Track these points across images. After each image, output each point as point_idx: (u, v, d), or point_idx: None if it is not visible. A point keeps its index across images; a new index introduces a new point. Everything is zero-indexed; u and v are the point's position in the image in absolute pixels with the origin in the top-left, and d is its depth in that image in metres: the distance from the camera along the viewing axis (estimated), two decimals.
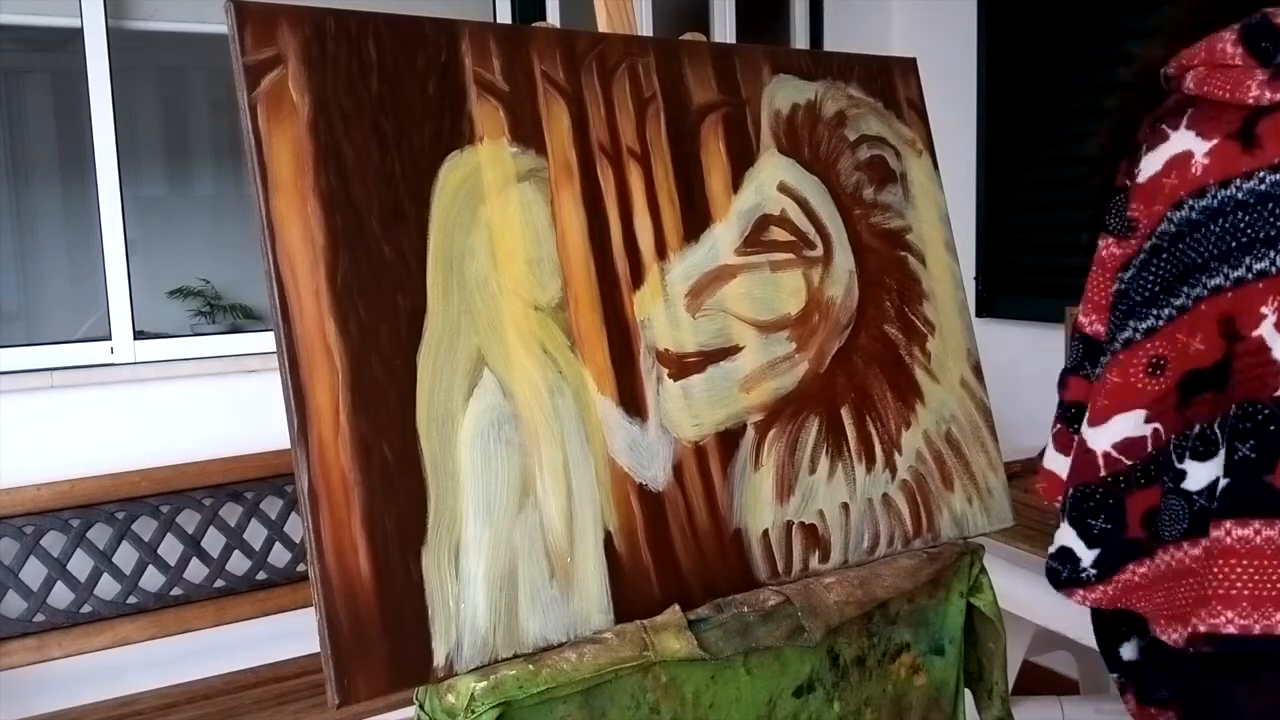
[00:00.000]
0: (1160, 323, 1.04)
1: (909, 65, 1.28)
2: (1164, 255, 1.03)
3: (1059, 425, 1.21)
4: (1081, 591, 1.10)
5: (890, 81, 1.25)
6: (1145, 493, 1.07)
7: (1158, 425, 1.05)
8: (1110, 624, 1.18)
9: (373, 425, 0.85)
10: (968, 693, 1.21)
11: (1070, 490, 1.10)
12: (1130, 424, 1.05)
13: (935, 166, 1.27)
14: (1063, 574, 1.11)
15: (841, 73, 1.21)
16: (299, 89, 0.86)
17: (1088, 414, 1.09)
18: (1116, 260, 1.12)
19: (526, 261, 0.95)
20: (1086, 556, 1.09)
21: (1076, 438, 1.12)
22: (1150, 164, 1.06)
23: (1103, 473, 1.07)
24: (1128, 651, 1.18)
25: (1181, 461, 1.03)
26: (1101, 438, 1.07)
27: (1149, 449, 1.06)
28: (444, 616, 0.85)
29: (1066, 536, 1.10)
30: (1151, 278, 1.04)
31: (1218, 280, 0.98)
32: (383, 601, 0.83)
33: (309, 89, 0.87)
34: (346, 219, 0.87)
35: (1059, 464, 1.18)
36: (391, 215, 0.89)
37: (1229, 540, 0.96)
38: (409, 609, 0.84)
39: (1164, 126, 1.06)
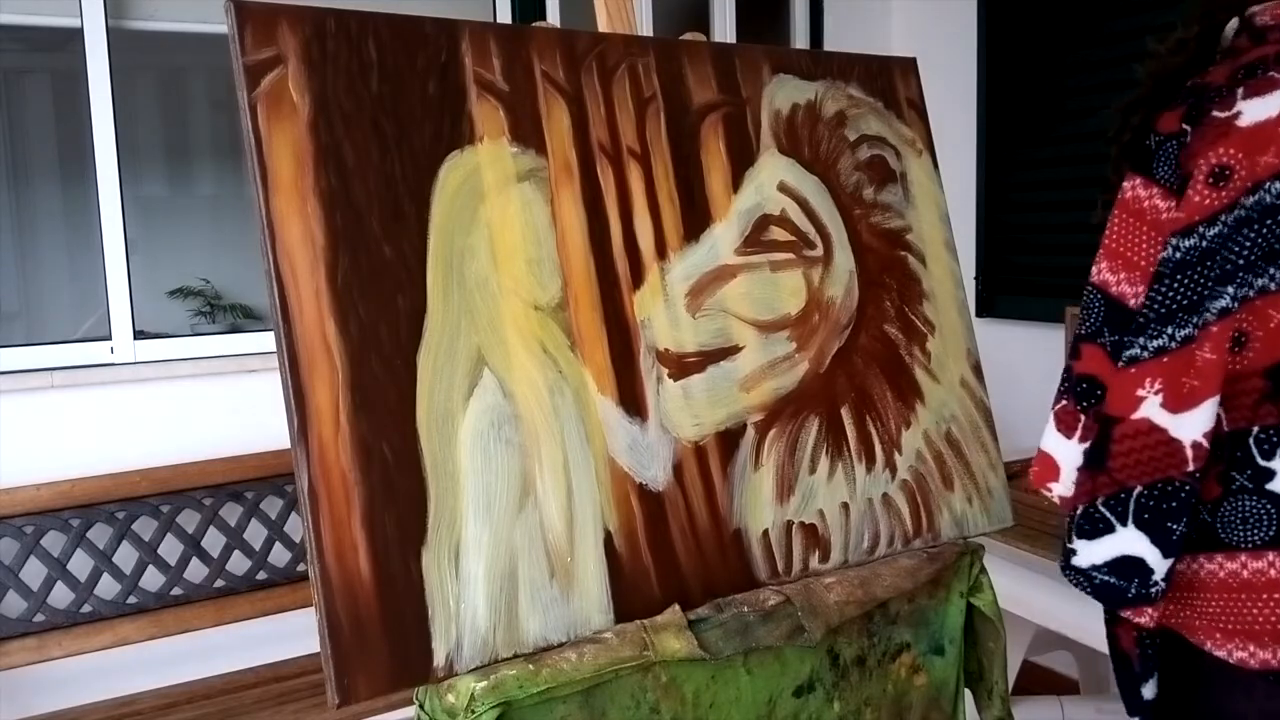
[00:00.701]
0: (1253, 294, 0.92)
1: (909, 65, 1.28)
2: (1278, 217, 0.91)
3: (1064, 401, 1.07)
4: (1151, 610, 0.96)
5: (890, 81, 1.25)
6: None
7: (1222, 409, 0.94)
8: (1131, 662, 1.06)
9: (373, 425, 0.85)
10: (968, 693, 1.21)
11: (1140, 488, 0.96)
12: (1215, 408, 0.93)
13: (935, 166, 1.27)
14: (1130, 591, 0.95)
15: (841, 72, 1.21)
16: (299, 89, 0.86)
17: (1166, 396, 0.95)
18: (1160, 212, 1.00)
19: (526, 261, 0.95)
20: (1160, 568, 0.95)
21: (1092, 419, 1.00)
22: (1259, 108, 0.94)
23: (1191, 466, 0.94)
24: (1149, 690, 1.05)
25: (1269, 459, 0.92)
26: (1191, 425, 0.93)
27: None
28: (444, 616, 0.85)
29: (1135, 543, 0.95)
30: (1259, 240, 0.92)
31: None
32: (383, 601, 0.83)
33: (309, 89, 0.86)
34: (346, 219, 0.87)
35: (1059, 447, 1.06)
36: (391, 215, 0.89)
37: None
38: (409, 609, 0.84)
39: (1274, 74, 0.94)
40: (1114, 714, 2.02)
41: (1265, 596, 0.92)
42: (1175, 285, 0.97)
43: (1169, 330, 0.96)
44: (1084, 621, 1.73)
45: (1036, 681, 2.55)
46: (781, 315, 1.11)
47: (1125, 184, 1.05)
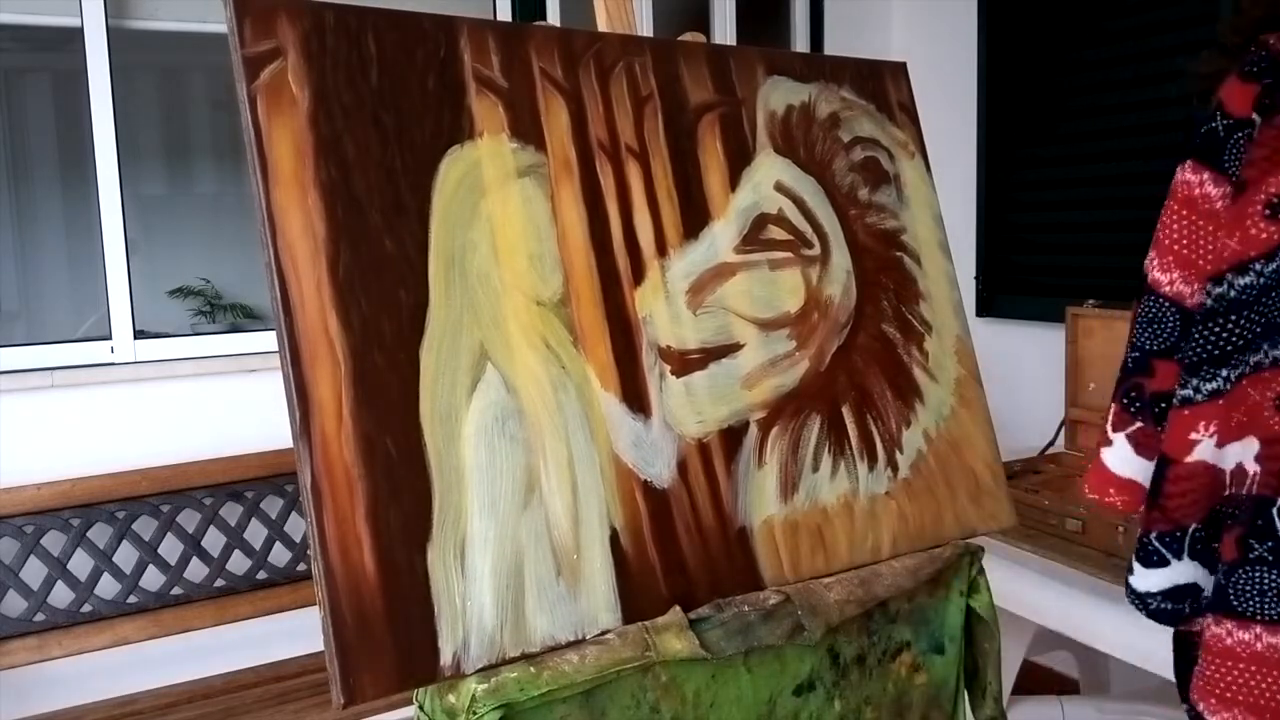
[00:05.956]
0: None
1: (899, 69, 1.28)
2: None
3: (1139, 423, 1.00)
4: (1201, 620, 0.94)
5: (882, 85, 1.26)
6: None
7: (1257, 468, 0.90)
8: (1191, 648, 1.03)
9: (376, 419, 0.85)
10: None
11: (1194, 526, 0.93)
12: (1256, 445, 0.89)
13: (928, 169, 1.28)
14: (1185, 610, 0.96)
15: (834, 75, 1.22)
16: (299, 82, 0.86)
17: (1220, 435, 0.90)
18: (1213, 202, 0.91)
19: (528, 256, 0.95)
20: (1209, 584, 0.95)
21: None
22: None
23: (1228, 491, 0.91)
24: None
25: None
26: (1233, 454, 0.90)
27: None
28: (450, 614, 0.85)
29: (1191, 573, 0.95)
30: None
31: None
32: (388, 598, 0.82)
33: (309, 82, 0.86)
34: (348, 211, 0.87)
35: (1139, 470, 1.00)
36: (393, 208, 0.89)
37: None
38: (415, 606, 0.83)
39: None
40: (1114, 714, 2.02)
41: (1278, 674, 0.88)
42: (1229, 325, 0.90)
43: (1223, 373, 0.90)
44: (1084, 622, 1.73)
45: (1036, 681, 2.55)
46: (781, 313, 1.11)
47: (1183, 177, 0.95)
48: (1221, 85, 0.93)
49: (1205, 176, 0.94)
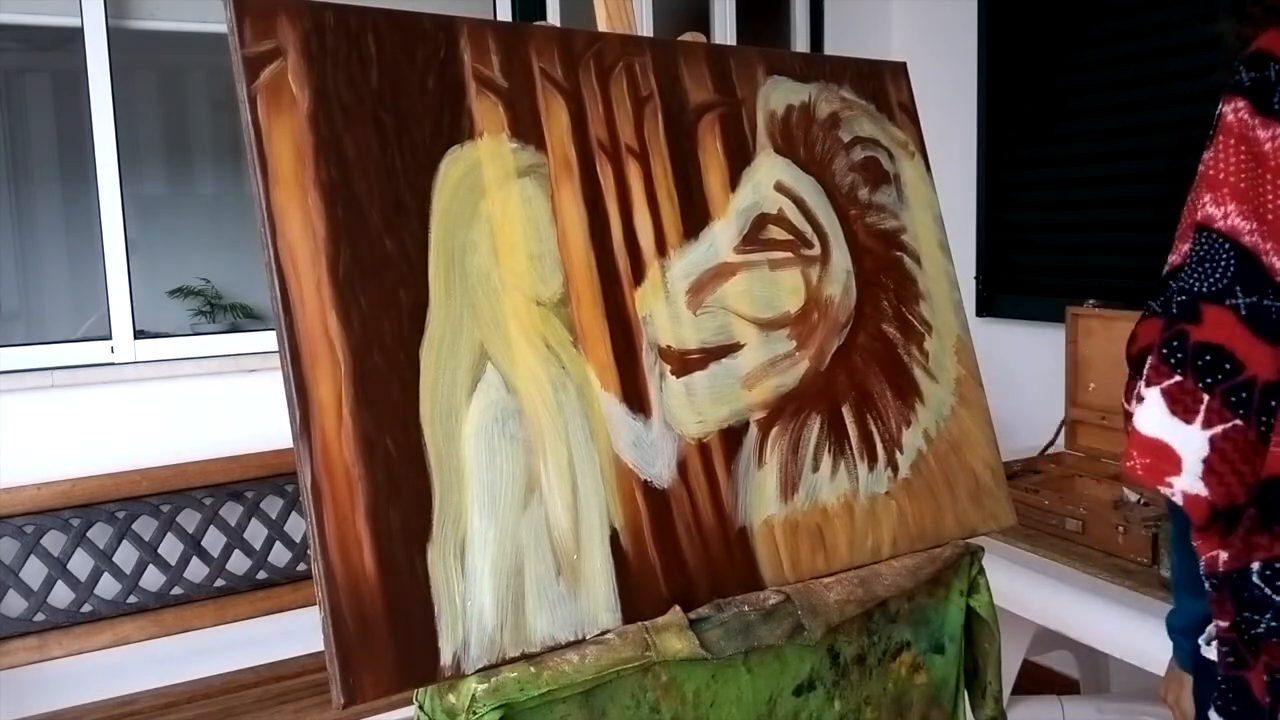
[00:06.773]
0: None
1: (899, 69, 1.28)
2: None
3: (1179, 377, 0.85)
4: None
5: (882, 85, 1.26)
6: None
7: None
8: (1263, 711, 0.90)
9: (376, 419, 0.85)
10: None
11: None
12: None
13: (928, 168, 1.28)
14: None
15: (834, 75, 1.22)
16: (299, 81, 0.86)
17: None
18: (1261, 145, 0.83)
19: (528, 256, 0.95)
20: None
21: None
22: None
23: None
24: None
25: None
26: None
27: None
28: (450, 614, 0.85)
29: None
30: None
31: None
32: (388, 598, 0.82)
33: (309, 82, 0.87)
34: (348, 211, 0.87)
35: (1175, 434, 0.86)
36: (393, 208, 0.89)
37: None
38: (415, 606, 0.84)
39: None
40: (1114, 714, 2.02)
41: None
42: None
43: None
44: (1084, 622, 1.73)
45: (1036, 681, 2.55)
46: (781, 313, 1.11)
47: (1235, 115, 0.85)
48: (1261, 37, 0.86)
49: (1258, 121, 0.85)
